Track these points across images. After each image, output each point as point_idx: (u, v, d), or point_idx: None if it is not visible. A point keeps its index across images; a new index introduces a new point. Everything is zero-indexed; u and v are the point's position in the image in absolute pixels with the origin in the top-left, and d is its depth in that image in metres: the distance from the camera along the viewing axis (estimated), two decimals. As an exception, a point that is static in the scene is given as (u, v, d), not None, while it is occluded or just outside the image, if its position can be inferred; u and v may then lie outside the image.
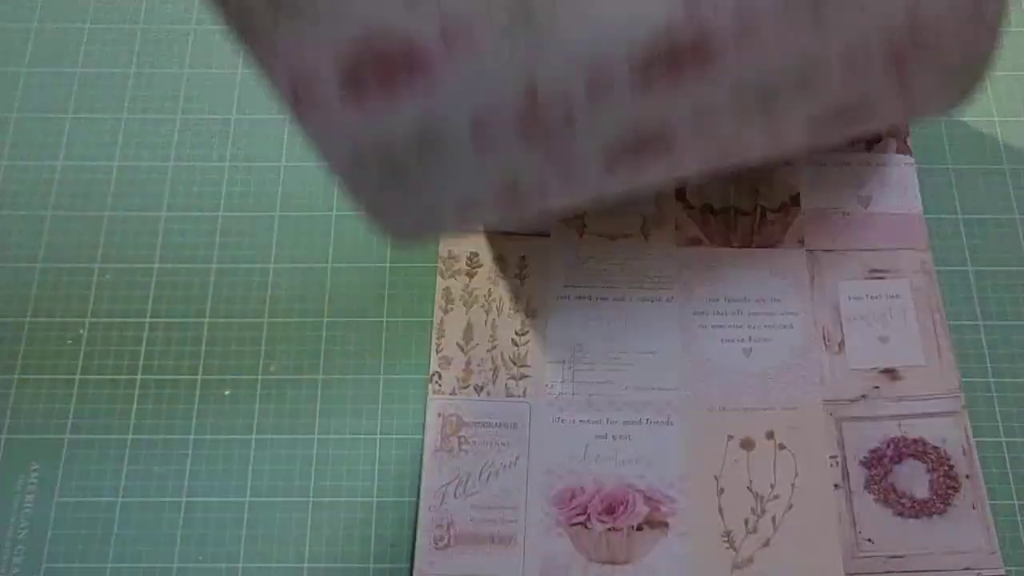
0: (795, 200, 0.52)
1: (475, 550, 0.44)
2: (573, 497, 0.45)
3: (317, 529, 0.47)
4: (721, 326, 0.49)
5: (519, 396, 0.48)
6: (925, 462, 0.46)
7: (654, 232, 0.52)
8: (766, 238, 0.51)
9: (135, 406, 0.49)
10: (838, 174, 0.53)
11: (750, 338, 0.49)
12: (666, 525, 0.45)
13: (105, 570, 0.46)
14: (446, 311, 0.50)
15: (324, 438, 0.48)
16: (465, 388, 0.48)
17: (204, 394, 0.49)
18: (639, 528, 0.45)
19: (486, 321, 0.49)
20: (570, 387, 0.48)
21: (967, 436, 0.46)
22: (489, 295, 0.50)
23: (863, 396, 0.47)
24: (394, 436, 0.48)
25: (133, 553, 0.47)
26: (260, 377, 0.50)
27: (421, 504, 0.45)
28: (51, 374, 0.49)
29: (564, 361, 0.48)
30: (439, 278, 0.51)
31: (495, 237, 0.52)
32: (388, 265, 0.52)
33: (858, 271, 0.50)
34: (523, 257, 0.51)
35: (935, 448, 0.46)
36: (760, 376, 0.48)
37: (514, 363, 0.48)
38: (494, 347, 0.49)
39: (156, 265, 0.52)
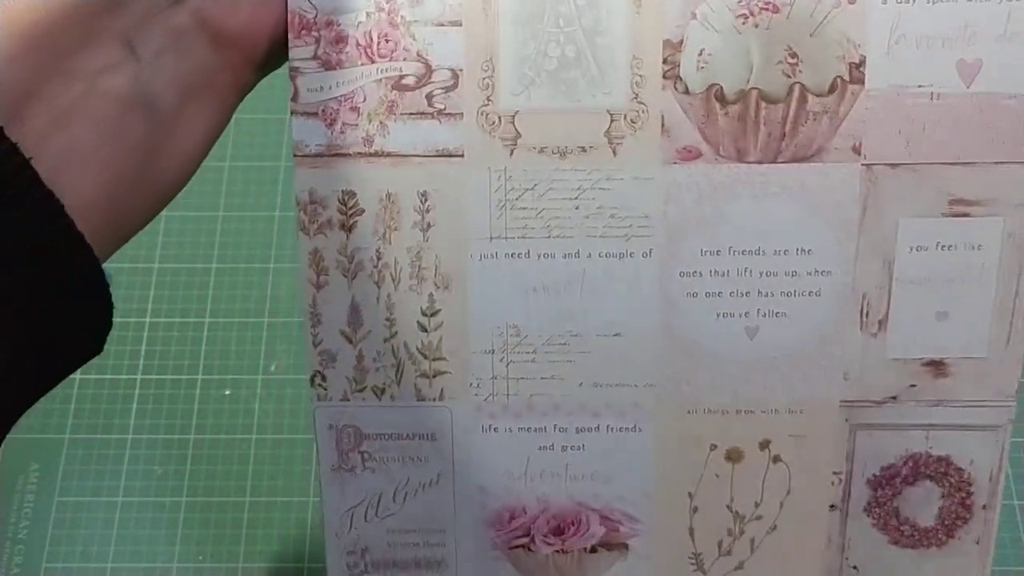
0: (858, 71, 0.32)
1: None
2: (512, 518, 0.36)
3: (317, 529, 0.47)
4: (719, 293, 0.34)
5: (434, 400, 0.35)
6: (942, 486, 0.35)
7: (627, 139, 0.32)
8: (803, 144, 0.32)
9: (135, 406, 0.50)
10: (933, 18, 0.31)
11: (759, 311, 0.34)
12: (625, 547, 0.36)
13: (105, 570, 0.47)
14: (319, 286, 0.34)
15: (324, 437, 0.51)
16: (360, 391, 0.35)
17: (204, 394, 0.50)
18: (593, 550, 0.37)
19: (378, 297, 0.34)
20: (504, 385, 0.35)
21: (1000, 458, 0.35)
22: (379, 257, 0.34)
23: (893, 398, 0.34)
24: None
25: (133, 553, 0.47)
26: (260, 377, 0.51)
27: (327, 529, 0.36)
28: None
29: (494, 350, 0.34)
30: (301, 235, 0.33)
31: (378, 161, 0.33)
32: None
33: (934, 201, 0.33)
34: (424, 194, 0.33)
35: (958, 470, 0.35)
36: (764, 366, 0.34)
37: (424, 355, 0.35)
38: (393, 334, 0.34)
39: (156, 265, 0.52)
